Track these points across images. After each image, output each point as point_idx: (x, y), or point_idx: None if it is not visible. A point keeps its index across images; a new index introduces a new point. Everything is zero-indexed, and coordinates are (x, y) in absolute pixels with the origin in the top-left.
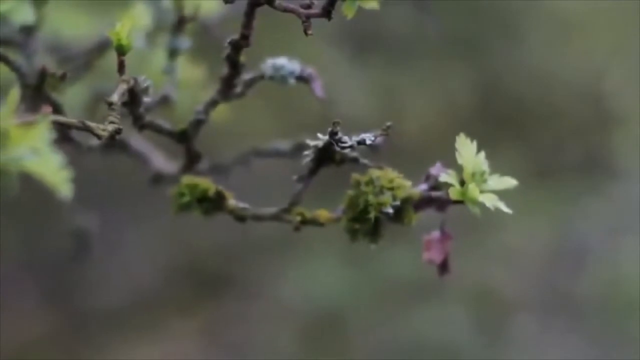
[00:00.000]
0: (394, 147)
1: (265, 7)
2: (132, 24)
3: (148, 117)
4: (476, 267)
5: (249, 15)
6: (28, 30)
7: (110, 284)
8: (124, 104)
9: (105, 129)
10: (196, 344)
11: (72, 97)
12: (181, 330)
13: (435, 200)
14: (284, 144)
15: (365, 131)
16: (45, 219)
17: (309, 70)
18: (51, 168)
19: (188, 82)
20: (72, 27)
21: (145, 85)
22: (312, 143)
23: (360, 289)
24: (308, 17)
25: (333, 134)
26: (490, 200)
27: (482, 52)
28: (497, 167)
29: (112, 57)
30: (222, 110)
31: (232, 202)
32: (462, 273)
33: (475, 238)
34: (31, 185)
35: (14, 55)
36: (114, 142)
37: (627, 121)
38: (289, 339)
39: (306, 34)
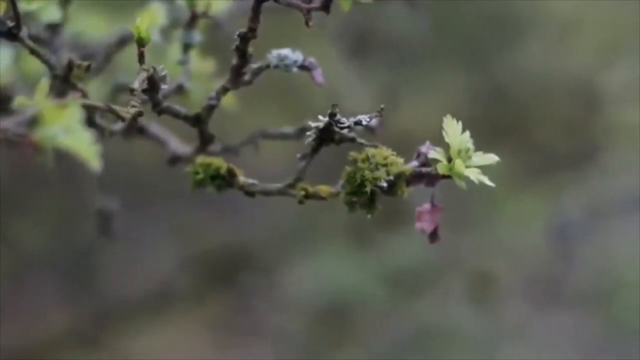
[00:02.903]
0: (388, 136)
1: (271, 3)
2: (150, 20)
3: (165, 104)
4: (475, 256)
5: (256, 9)
6: (54, 28)
7: (125, 275)
8: (144, 90)
9: (128, 111)
10: (208, 332)
11: (93, 90)
12: (194, 319)
13: (425, 176)
14: (289, 128)
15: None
16: (65, 215)
17: (310, 60)
18: (83, 144)
19: (200, 74)
20: (92, 28)
21: (163, 73)
22: (313, 124)
23: (367, 279)
24: (309, 10)
25: (332, 116)
26: (474, 174)
27: (477, 52)
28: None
29: (129, 54)
30: (232, 100)
31: (242, 178)
32: (462, 262)
33: (474, 228)
34: (50, 182)
35: (41, 50)
36: (135, 125)
37: (614, 116)
38: (299, 328)
39: (307, 25)
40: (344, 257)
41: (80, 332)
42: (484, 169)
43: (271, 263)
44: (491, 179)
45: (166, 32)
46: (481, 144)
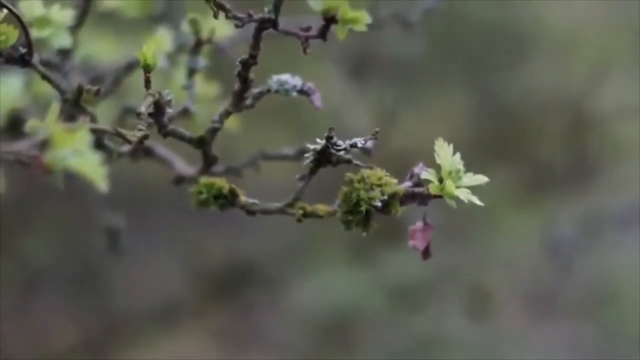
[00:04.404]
0: (388, 155)
1: (271, 30)
2: (156, 46)
3: (170, 127)
4: (474, 270)
5: (257, 37)
6: (65, 53)
7: (132, 288)
8: (150, 114)
9: (134, 134)
10: (214, 344)
11: (102, 112)
12: (199, 331)
13: (418, 195)
14: (289, 150)
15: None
16: (73, 230)
17: (309, 84)
18: (91, 166)
19: (204, 97)
20: (101, 51)
21: (168, 98)
22: (311, 147)
23: (368, 292)
24: (307, 38)
25: (329, 139)
26: (464, 194)
27: (475, 70)
28: (494, 176)
29: (137, 79)
30: (235, 123)
31: (243, 198)
32: (461, 275)
33: (473, 243)
34: (58, 198)
35: (52, 74)
36: (142, 147)
37: (611, 132)
38: (302, 339)
39: (305, 52)
40: (345, 271)
41: (88, 345)
42: (484, 185)
43: (274, 276)
44: (489, 195)
45: (172, 57)
46: (479, 161)
